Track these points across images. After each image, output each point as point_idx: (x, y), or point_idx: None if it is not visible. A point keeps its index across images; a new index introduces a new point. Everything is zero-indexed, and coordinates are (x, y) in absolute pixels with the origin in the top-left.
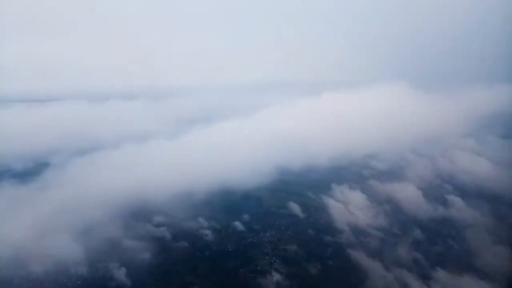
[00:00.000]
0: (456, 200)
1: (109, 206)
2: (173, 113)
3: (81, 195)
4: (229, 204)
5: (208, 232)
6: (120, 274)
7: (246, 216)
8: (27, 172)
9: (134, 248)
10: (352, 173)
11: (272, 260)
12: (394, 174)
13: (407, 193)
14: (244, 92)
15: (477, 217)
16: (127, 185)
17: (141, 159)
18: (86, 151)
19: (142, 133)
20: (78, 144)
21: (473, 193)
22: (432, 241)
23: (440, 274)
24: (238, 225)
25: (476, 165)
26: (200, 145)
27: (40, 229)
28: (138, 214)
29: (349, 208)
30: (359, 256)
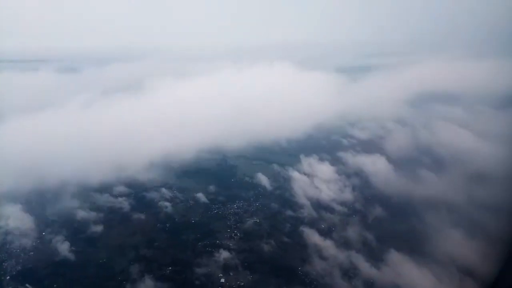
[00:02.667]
0: (428, 176)
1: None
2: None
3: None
4: (201, 173)
5: (168, 204)
6: (64, 248)
7: (212, 187)
8: None
9: (87, 220)
10: (326, 143)
11: (233, 234)
12: (370, 145)
13: (378, 167)
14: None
15: (446, 195)
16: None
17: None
18: None
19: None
20: None
21: (449, 168)
22: (394, 219)
23: (392, 255)
24: (202, 196)
25: (459, 137)
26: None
27: None
28: (98, 185)
29: (314, 181)
30: (312, 234)
